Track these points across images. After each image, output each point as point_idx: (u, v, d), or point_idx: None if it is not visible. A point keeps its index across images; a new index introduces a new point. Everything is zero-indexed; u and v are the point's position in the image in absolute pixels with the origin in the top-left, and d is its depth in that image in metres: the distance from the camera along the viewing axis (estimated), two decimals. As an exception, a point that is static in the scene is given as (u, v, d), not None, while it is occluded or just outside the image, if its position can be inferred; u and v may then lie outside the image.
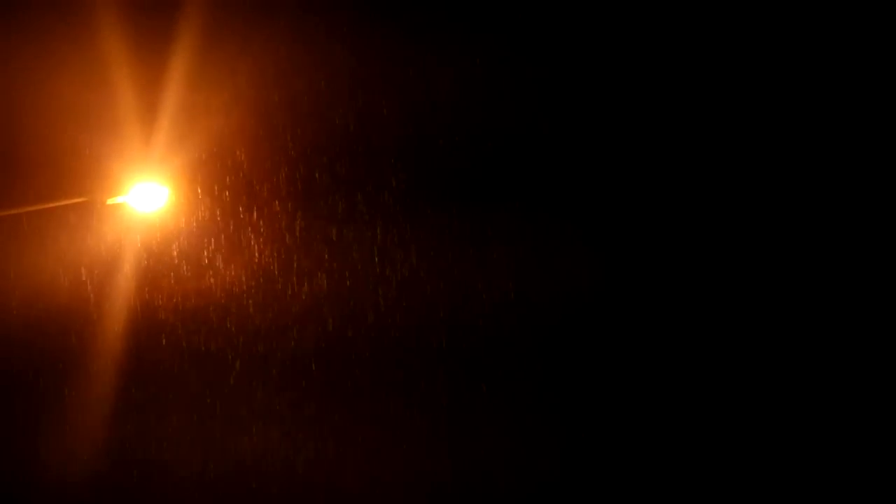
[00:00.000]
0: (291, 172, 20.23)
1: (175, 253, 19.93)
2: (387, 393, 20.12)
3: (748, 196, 19.96)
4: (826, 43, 19.73)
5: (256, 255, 20.05)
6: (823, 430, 19.46)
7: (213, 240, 20.03)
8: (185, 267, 19.98)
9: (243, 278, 20.07)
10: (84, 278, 19.82)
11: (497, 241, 20.05)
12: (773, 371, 19.79)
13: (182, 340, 20.20)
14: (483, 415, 19.92)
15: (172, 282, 20.00)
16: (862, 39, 19.61)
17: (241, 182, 20.12)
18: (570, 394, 19.89)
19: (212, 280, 20.01)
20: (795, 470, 19.47)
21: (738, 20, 19.91)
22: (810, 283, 19.81)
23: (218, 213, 19.98)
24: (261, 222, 20.08)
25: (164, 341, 20.14)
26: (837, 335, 19.59)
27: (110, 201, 17.37)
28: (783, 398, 19.69)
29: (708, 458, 19.59)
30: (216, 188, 19.99)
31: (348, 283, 20.08)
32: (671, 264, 20.04)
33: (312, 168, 20.26)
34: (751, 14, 19.83)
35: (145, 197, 17.40)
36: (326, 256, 20.14)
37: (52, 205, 17.47)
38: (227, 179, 20.05)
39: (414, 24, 20.03)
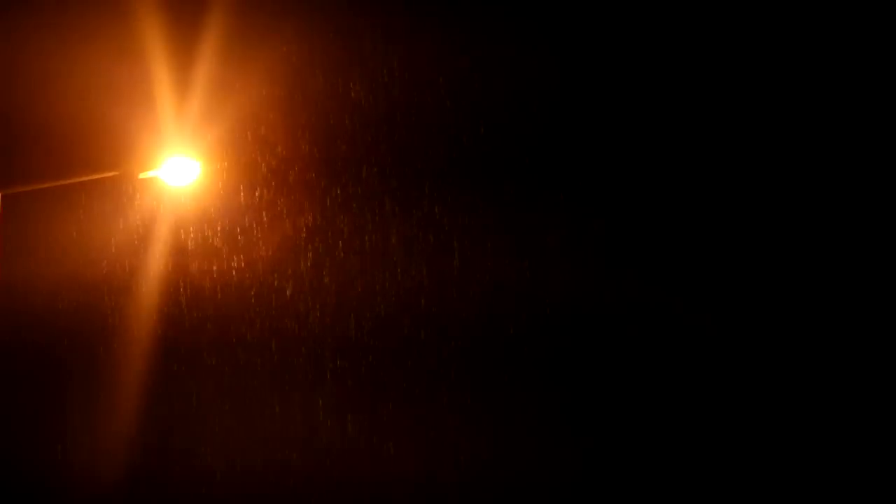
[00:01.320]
0: (322, 146, 20.31)
1: (207, 226, 20.06)
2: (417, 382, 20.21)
3: (750, 196, 19.94)
4: (826, 43, 19.66)
5: (286, 228, 20.14)
6: (823, 429, 19.42)
7: (244, 214, 20.14)
8: (216, 240, 20.11)
9: (274, 252, 20.17)
10: (116, 251, 19.98)
11: (506, 237, 20.14)
12: (773, 370, 19.77)
13: (212, 313, 20.32)
14: (491, 412, 19.98)
15: (205, 255, 20.13)
16: (862, 39, 19.53)
17: (272, 156, 20.21)
18: (585, 391, 19.96)
19: (242, 253, 20.13)
20: (795, 469, 19.46)
21: (741, 21, 19.87)
22: (809, 283, 19.76)
23: (249, 187, 20.09)
24: (291, 195, 20.17)
25: (195, 314, 20.27)
26: (837, 335, 19.54)
27: (143, 175, 17.47)
28: (782, 397, 19.67)
29: (708, 456, 19.59)
30: (247, 162, 20.09)
31: (380, 258, 20.15)
32: (672, 263, 20.03)
33: (344, 142, 20.33)
34: (754, 14, 19.80)
35: (177, 171, 17.47)
36: (355, 232, 20.22)
37: (85, 178, 17.58)
38: (258, 154, 20.15)
39: (446, 12, 20.10)
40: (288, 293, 20.17)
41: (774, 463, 19.50)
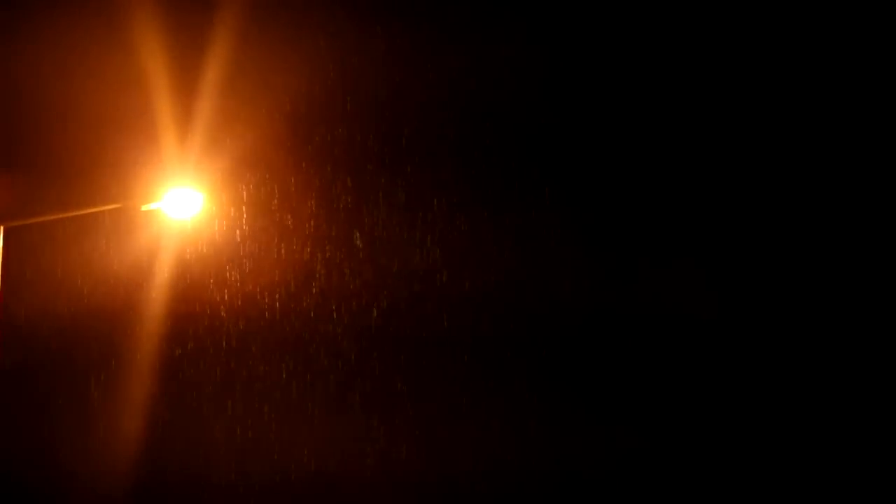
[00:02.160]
0: (325, 177, 20.32)
1: (209, 259, 20.03)
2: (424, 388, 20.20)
3: (747, 194, 19.95)
4: (828, 43, 19.68)
5: (290, 259, 20.13)
6: (823, 429, 19.38)
7: (247, 246, 20.12)
8: (219, 273, 20.07)
9: (276, 283, 20.15)
10: (119, 283, 19.94)
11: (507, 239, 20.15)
12: (772, 369, 19.74)
13: (215, 344, 20.29)
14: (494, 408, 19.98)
15: (207, 287, 20.09)
16: (862, 39, 19.55)
17: (275, 187, 20.21)
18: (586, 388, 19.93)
19: (245, 285, 20.09)
20: (795, 469, 19.42)
21: (744, 20, 19.91)
22: (807, 282, 19.75)
23: (252, 218, 20.07)
24: (295, 227, 20.16)
25: (197, 345, 20.23)
26: (838, 335, 19.52)
27: (145, 207, 17.41)
28: (781, 395, 19.65)
29: (708, 454, 19.56)
30: (250, 194, 20.08)
31: (384, 288, 20.15)
32: (674, 260, 20.02)
33: (348, 173, 20.34)
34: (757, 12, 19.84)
35: (180, 203, 17.42)
36: (361, 261, 20.23)
37: (87, 210, 17.55)
38: (262, 185, 20.14)
39: (444, 27, 20.12)
40: (293, 325, 20.17)
41: (774, 461, 19.46)
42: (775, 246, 19.92)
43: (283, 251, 20.19)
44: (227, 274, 20.12)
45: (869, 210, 19.66)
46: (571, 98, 20.25)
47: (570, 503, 19.65)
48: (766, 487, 19.48)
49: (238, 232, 20.12)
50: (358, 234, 20.25)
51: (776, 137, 19.92)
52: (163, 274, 19.88)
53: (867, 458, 19.18)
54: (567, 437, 19.61)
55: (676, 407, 19.76)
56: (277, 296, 20.18)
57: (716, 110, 19.99)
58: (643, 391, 19.85)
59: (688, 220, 20.07)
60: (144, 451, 20.03)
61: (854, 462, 19.19)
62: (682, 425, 19.69)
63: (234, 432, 20.22)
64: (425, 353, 20.13)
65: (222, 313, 20.18)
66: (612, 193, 20.25)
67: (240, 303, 20.14)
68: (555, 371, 19.99)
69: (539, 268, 20.12)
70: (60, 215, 17.67)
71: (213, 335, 20.23)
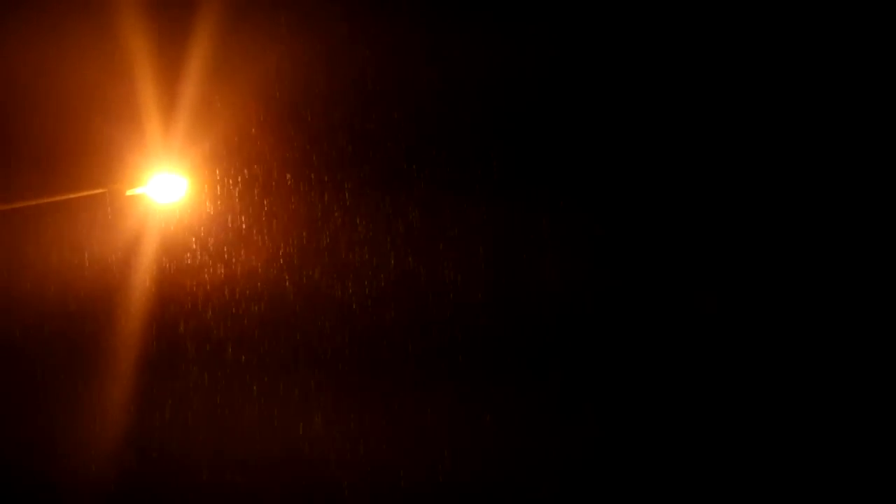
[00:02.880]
0: (309, 162, 20.29)
1: (194, 243, 20.00)
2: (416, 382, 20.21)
3: (745, 192, 19.99)
4: (829, 42, 19.73)
5: (274, 245, 20.10)
6: (823, 429, 19.44)
7: (231, 231, 20.09)
8: (203, 258, 20.05)
9: (261, 269, 20.13)
10: (103, 269, 19.89)
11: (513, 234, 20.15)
12: (772, 368, 19.79)
13: (200, 330, 20.27)
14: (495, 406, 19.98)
15: (191, 272, 20.07)
16: (862, 39, 19.60)
17: (260, 172, 20.18)
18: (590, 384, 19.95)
19: (230, 270, 20.07)
20: (794, 468, 19.48)
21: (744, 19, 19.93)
22: (805, 281, 19.81)
23: (237, 203, 20.05)
24: (279, 212, 20.14)
25: (182, 331, 20.21)
26: (838, 335, 19.57)
27: (129, 192, 17.41)
28: (781, 395, 19.70)
29: (709, 452, 19.61)
30: (235, 179, 20.04)
31: (368, 272, 20.15)
32: (676, 258, 20.05)
33: (331, 157, 20.31)
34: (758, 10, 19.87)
35: (164, 188, 17.41)
36: (344, 246, 20.20)
37: (71, 195, 17.52)
38: (246, 170, 20.10)
39: (433, 15, 20.10)
40: (278, 310, 20.16)
41: (773, 460, 19.52)
42: (775, 245, 19.96)
43: (268, 236, 20.17)
44: (213, 258, 20.09)
45: (869, 210, 19.71)
46: (571, 97, 20.25)
47: (568, 500, 19.70)
48: (766, 487, 19.54)
49: (223, 216, 20.09)
50: (344, 219, 20.22)
51: (776, 137, 19.95)
52: (147, 259, 19.84)
53: (866, 458, 19.25)
54: (566, 434, 19.64)
55: (676, 405, 19.79)
56: (263, 280, 20.16)
57: (715, 110, 20.00)
58: (642, 389, 19.88)
59: (687, 219, 20.09)
60: (130, 438, 20.02)
61: (853, 462, 19.26)
62: (682, 424, 19.73)
63: (221, 419, 20.21)
64: (418, 340, 20.15)
65: (208, 298, 20.15)
66: (612, 192, 20.26)
67: (225, 287, 20.12)
68: (555, 368, 20.01)
69: (537, 264, 20.14)
70: (44, 200, 17.63)
71: (199, 320, 20.21)
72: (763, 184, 20.02)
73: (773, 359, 19.78)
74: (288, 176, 20.23)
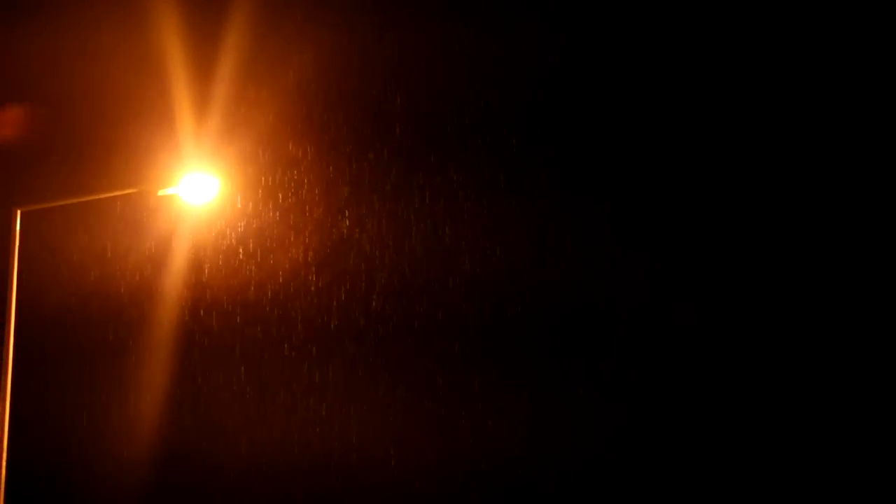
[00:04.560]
0: (343, 161, 20.36)
1: (225, 243, 20.09)
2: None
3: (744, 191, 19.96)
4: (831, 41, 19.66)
5: (307, 244, 20.16)
6: (824, 429, 19.37)
7: (263, 230, 20.15)
8: (235, 258, 20.13)
9: (293, 268, 20.19)
10: (135, 268, 20.01)
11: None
12: (772, 368, 19.74)
13: (232, 329, 20.37)
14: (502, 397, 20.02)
15: (223, 272, 20.15)
16: (862, 39, 19.52)
17: (290, 172, 20.25)
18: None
19: (262, 271, 20.14)
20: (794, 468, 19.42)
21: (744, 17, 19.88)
22: (804, 281, 19.75)
23: (268, 203, 20.12)
24: (310, 212, 20.21)
25: (214, 329, 20.32)
26: (838, 335, 19.50)
27: (161, 192, 17.41)
28: (781, 395, 19.65)
29: (708, 453, 19.57)
30: (266, 179, 20.13)
31: (403, 272, 20.20)
32: (679, 255, 20.03)
33: (363, 157, 20.37)
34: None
35: (196, 188, 17.41)
36: (377, 246, 20.28)
37: (104, 195, 17.56)
38: (277, 170, 20.19)
39: (464, 14, 20.14)
40: (309, 308, 20.24)
41: (773, 460, 19.46)
42: (774, 245, 19.90)
43: (298, 235, 20.24)
44: (243, 258, 20.17)
45: (868, 210, 19.62)
46: (570, 96, 20.24)
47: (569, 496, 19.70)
48: (765, 486, 19.49)
49: (254, 217, 20.18)
50: (374, 218, 20.29)
51: (776, 137, 19.89)
52: (179, 259, 19.91)
53: (864, 457, 19.17)
54: (567, 431, 19.63)
55: (675, 405, 19.76)
56: (293, 279, 20.23)
57: (716, 110, 19.96)
58: (641, 386, 19.86)
59: (687, 218, 20.05)
60: (161, 432, 20.11)
61: (851, 461, 19.18)
62: (682, 424, 19.70)
63: (251, 415, 20.28)
64: (450, 333, 20.19)
65: (239, 297, 20.24)
66: (613, 191, 20.23)
67: (256, 287, 20.19)
68: (555, 365, 20.00)
69: (545, 258, 20.14)
70: (77, 199, 17.68)
71: (229, 319, 20.30)
72: (763, 184, 19.97)
73: (773, 358, 19.73)
74: (319, 175, 20.29)
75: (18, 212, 16.28)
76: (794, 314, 19.62)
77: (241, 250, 20.13)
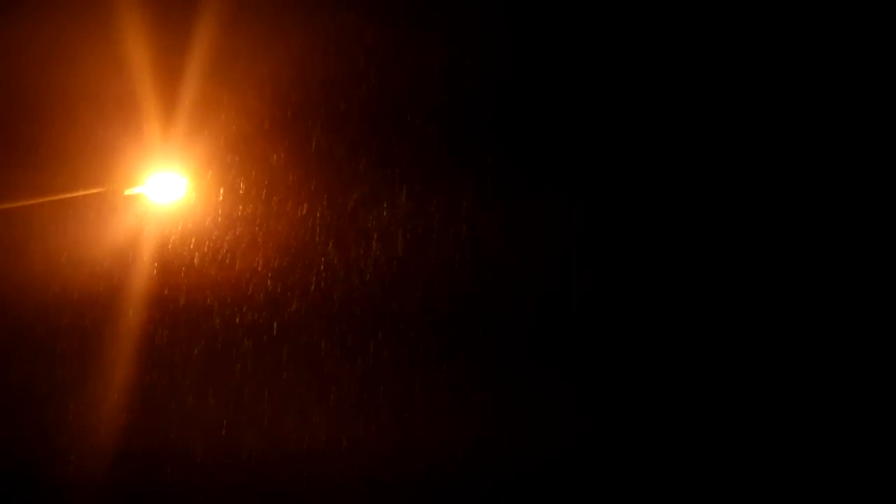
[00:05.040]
0: (310, 162, 20.26)
1: (192, 244, 19.93)
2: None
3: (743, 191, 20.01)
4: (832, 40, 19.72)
5: (274, 245, 20.07)
6: (823, 429, 19.44)
7: (230, 231, 20.03)
8: (202, 258, 20.00)
9: (259, 269, 20.09)
10: (101, 268, 19.83)
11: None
12: (772, 368, 19.79)
13: (198, 330, 20.22)
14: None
15: (190, 272, 20.02)
16: (862, 39, 19.59)
17: (259, 172, 20.13)
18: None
19: (228, 271, 20.03)
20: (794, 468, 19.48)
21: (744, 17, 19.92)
22: (804, 282, 19.82)
23: (236, 203, 20.00)
24: (279, 212, 20.10)
25: (180, 332, 20.17)
26: (838, 335, 19.57)
27: (128, 192, 17.36)
28: (782, 395, 19.71)
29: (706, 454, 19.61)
30: (234, 178, 20.00)
31: (368, 273, 20.12)
32: (679, 254, 20.06)
33: (331, 157, 20.28)
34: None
35: (163, 187, 17.36)
36: (347, 247, 20.18)
37: (69, 195, 17.46)
38: (245, 170, 20.06)
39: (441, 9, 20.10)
40: (278, 310, 20.12)
41: (773, 461, 19.52)
42: (774, 245, 19.96)
43: (267, 235, 20.12)
44: (211, 259, 20.03)
45: (869, 210, 19.69)
46: (570, 95, 20.23)
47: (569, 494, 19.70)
48: (765, 486, 19.55)
49: (221, 216, 20.02)
50: (344, 219, 20.18)
51: (777, 136, 19.94)
52: (145, 259, 19.78)
53: (864, 457, 19.25)
54: (567, 430, 19.63)
55: (675, 405, 19.79)
56: (261, 280, 20.11)
57: (715, 110, 19.99)
58: (642, 385, 19.88)
59: (687, 217, 20.07)
60: (127, 437, 19.97)
61: (851, 461, 19.26)
62: (681, 424, 19.73)
63: (219, 417, 20.16)
64: (416, 337, 20.14)
65: (206, 298, 20.10)
66: (613, 191, 20.24)
67: (223, 288, 20.07)
68: (557, 363, 20.00)
69: (543, 258, 20.12)
70: (41, 200, 17.56)
71: (197, 320, 20.16)
72: (763, 183, 20.02)
73: (772, 359, 19.78)
74: (288, 175, 20.17)
75: (-19, 212, 16.11)
76: (794, 314, 19.65)
77: (208, 249, 19.98)
